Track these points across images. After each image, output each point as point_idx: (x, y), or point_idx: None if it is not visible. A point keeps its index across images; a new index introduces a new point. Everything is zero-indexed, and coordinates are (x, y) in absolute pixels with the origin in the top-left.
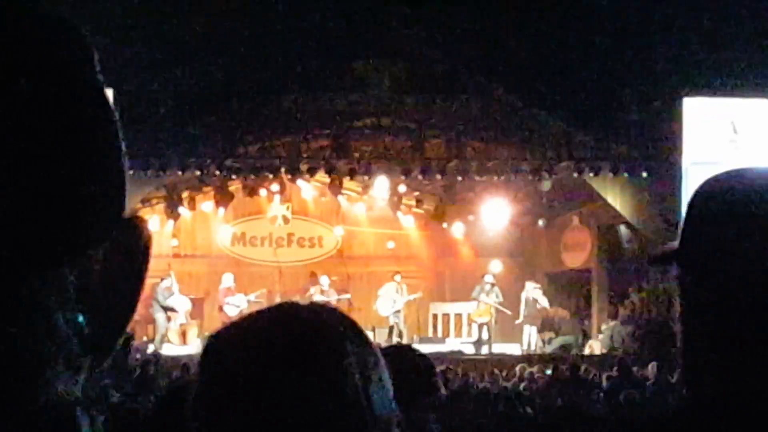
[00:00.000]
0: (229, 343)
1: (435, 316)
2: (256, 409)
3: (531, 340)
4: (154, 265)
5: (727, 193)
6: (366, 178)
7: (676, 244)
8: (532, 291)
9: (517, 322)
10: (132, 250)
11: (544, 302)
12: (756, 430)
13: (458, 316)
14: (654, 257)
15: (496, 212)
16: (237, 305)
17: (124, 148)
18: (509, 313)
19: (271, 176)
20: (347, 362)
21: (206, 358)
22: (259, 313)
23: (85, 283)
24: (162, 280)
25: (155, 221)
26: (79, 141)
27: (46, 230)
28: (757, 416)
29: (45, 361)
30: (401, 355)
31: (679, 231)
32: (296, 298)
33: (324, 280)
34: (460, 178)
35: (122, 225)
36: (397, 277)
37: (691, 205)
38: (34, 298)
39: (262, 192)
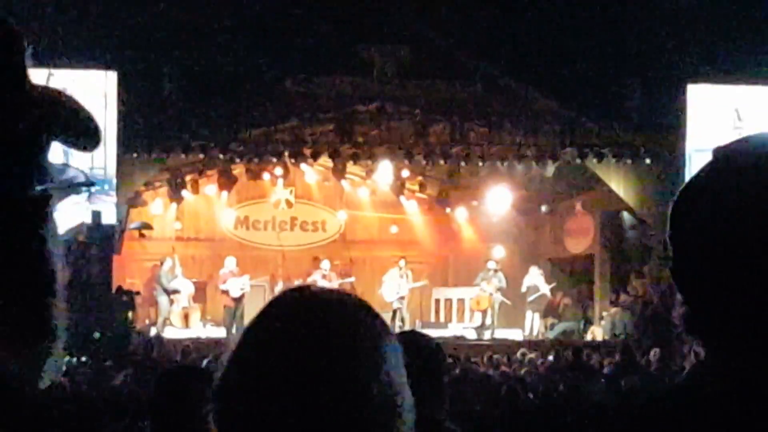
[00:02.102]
0: (269, 331)
1: (438, 301)
2: (286, 401)
3: (534, 325)
4: (157, 248)
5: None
6: (369, 162)
7: None
8: (536, 277)
9: (531, 298)
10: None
11: (544, 289)
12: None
13: (461, 301)
14: None
15: (499, 197)
16: (241, 288)
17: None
18: (509, 303)
19: (274, 160)
20: (379, 356)
21: (242, 346)
22: (293, 300)
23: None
24: (162, 262)
25: (159, 204)
26: None
27: None
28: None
29: None
30: (413, 343)
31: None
32: (299, 282)
33: (325, 264)
34: (463, 163)
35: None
36: (402, 263)
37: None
38: None
39: (266, 176)
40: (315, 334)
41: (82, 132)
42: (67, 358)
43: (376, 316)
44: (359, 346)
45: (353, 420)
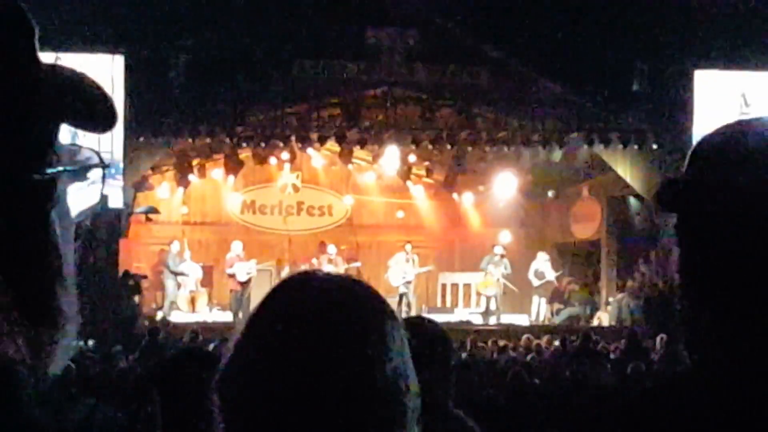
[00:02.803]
0: (274, 317)
1: (444, 286)
2: (294, 387)
3: (540, 311)
4: (164, 232)
5: (734, 139)
6: (376, 147)
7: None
8: (542, 263)
9: (537, 283)
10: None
11: (550, 275)
12: (760, 389)
13: (467, 286)
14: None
15: (506, 183)
16: (247, 272)
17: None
18: (516, 290)
19: (281, 144)
20: (385, 341)
21: (246, 332)
22: (298, 286)
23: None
24: (170, 246)
25: (165, 188)
26: None
27: None
28: (761, 373)
29: None
30: (419, 328)
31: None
32: (305, 267)
33: (331, 249)
34: (470, 148)
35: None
36: (408, 247)
37: (696, 149)
38: None
39: (272, 160)
40: (320, 319)
41: (97, 115)
42: (76, 343)
43: (382, 301)
44: (365, 331)
45: (358, 404)
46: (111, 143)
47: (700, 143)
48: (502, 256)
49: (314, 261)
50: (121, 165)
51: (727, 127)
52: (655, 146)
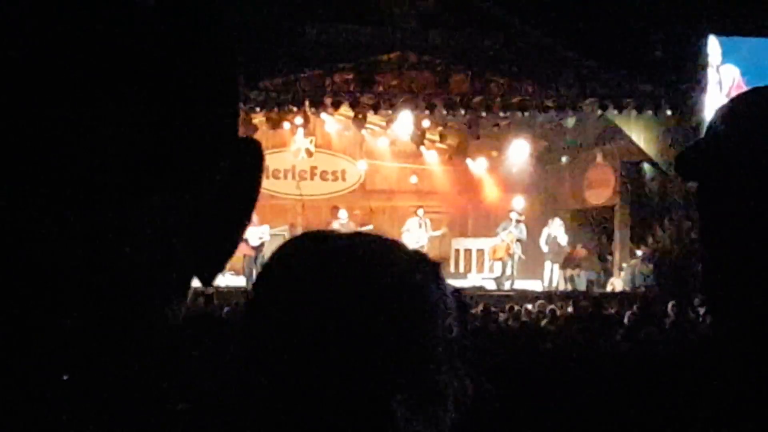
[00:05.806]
0: (304, 261)
1: (457, 252)
2: (323, 339)
3: (553, 276)
4: None
5: (758, 104)
6: (390, 112)
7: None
8: (556, 228)
9: (549, 249)
10: (245, 173)
11: (563, 241)
12: None
13: (480, 251)
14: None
15: (519, 148)
16: (260, 237)
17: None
18: (523, 258)
19: (294, 109)
20: (433, 302)
21: (272, 280)
22: (341, 238)
23: (198, 208)
24: None
25: None
26: (194, 69)
27: (161, 154)
28: None
29: (157, 285)
30: None
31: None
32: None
33: (342, 214)
34: (484, 114)
35: (235, 148)
36: (420, 212)
37: (725, 111)
38: (150, 222)
39: (286, 125)
40: (352, 269)
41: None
42: None
43: (426, 256)
44: (426, 301)
45: (400, 365)
46: None
47: (721, 108)
48: (518, 221)
49: (329, 227)
50: None
51: (751, 92)
52: (669, 112)
